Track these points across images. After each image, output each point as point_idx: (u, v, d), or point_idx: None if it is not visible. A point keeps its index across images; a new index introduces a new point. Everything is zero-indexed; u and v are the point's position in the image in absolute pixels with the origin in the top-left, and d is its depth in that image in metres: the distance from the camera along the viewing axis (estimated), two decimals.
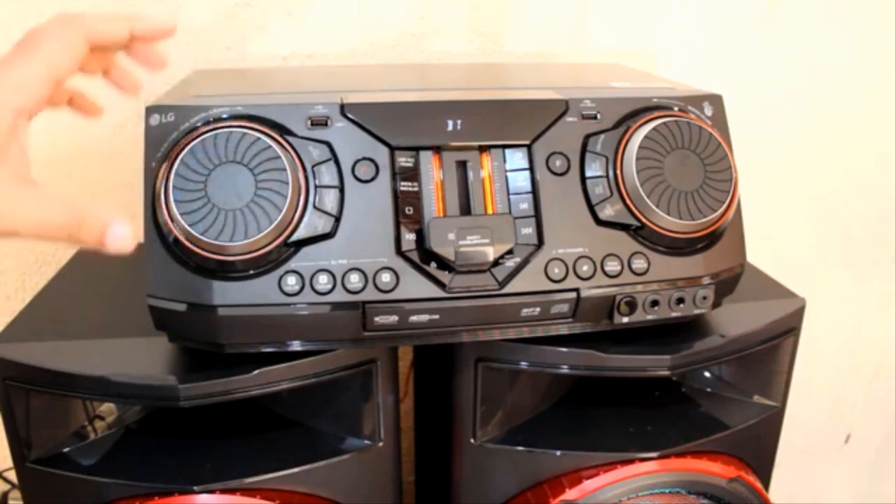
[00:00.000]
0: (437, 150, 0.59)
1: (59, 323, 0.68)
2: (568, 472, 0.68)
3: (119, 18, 0.47)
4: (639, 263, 0.60)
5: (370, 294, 0.56)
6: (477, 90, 0.67)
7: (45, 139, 0.50)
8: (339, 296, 0.56)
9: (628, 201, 0.60)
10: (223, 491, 0.61)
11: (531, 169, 0.60)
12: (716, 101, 0.65)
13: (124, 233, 0.43)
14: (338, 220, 0.56)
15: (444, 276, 0.57)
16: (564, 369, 0.65)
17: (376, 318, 0.57)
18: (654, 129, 0.60)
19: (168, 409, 0.69)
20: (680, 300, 0.62)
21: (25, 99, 0.42)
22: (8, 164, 0.41)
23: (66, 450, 0.64)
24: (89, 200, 0.43)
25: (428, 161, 0.58)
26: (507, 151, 0.60)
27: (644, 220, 0.60)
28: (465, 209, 0.58)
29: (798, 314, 0.72)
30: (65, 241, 0.42)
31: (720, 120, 0.65)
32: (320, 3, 0.91)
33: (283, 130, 0.57)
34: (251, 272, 0.55)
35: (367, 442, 0.67)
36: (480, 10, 0.95)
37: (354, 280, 0.56)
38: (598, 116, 0.62)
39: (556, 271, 0.59)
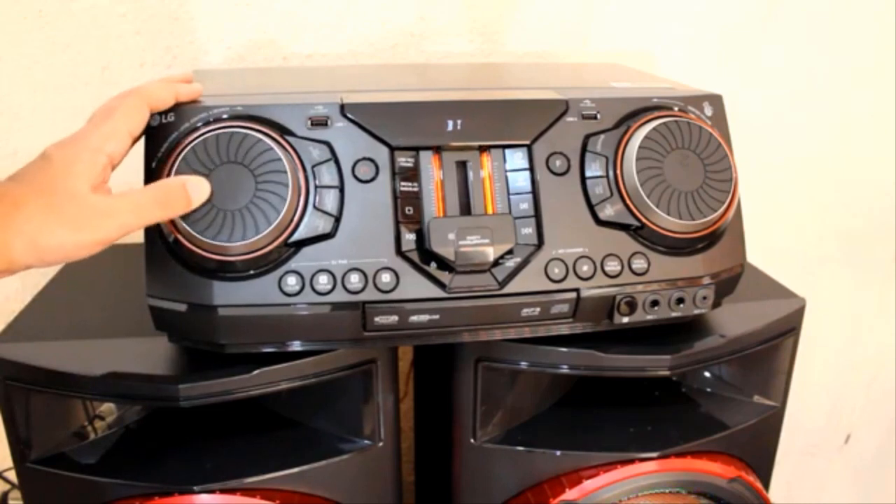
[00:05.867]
0: (437, 150, 0.59)
1: (59, 323, 0.68)
2: (568, 472, 0.68)
3: (168, 88, 0.56)
4: (639, 263, 0.60)
5: (370, 294, 0.56)
6: (477, 90, 0.67)
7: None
8: (339, 296, 0.56)
9: (628, 201, 0.60)
10: (223, 491, 0.61)
11: (531, 169, 0.59)
12: (716, 101, 0.65)
13: (198, 183, 0.52)
14: (338, 220, 0.56)
15: (444, 276, 0.57)
16: (564, 369, 0.65)
17: (376, 318, 0.57)
18: (654, 129, 0.60)
19: (168, 409, 0.69)
20: (680, 300, 0.62)
21: (114, 146, 0.50)
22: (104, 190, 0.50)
23: (66, 450, 0.64)
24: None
25: (428, 161, 0.58)
26: (507, 151, 0.60)
27: (644, 220, 0.60)
28: (466, 209, 0.58)
29: (798, 314, 0.72)
30: (160, 216, 0.51)
31: (720, 120, 0.65)
32: (320, 2, 0.91)
33: (283, 130, 0.57)
34: (251, 272, 0.55)
35: (367, 442, 0.67)
36: (480, 10, 0.95)
37: (354, 280, 0.56)
38: (598, 116, 0.62)
39: (557, 271, 0.59)
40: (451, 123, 0.59)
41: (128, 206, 0.49)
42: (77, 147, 0.49)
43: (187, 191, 0.51)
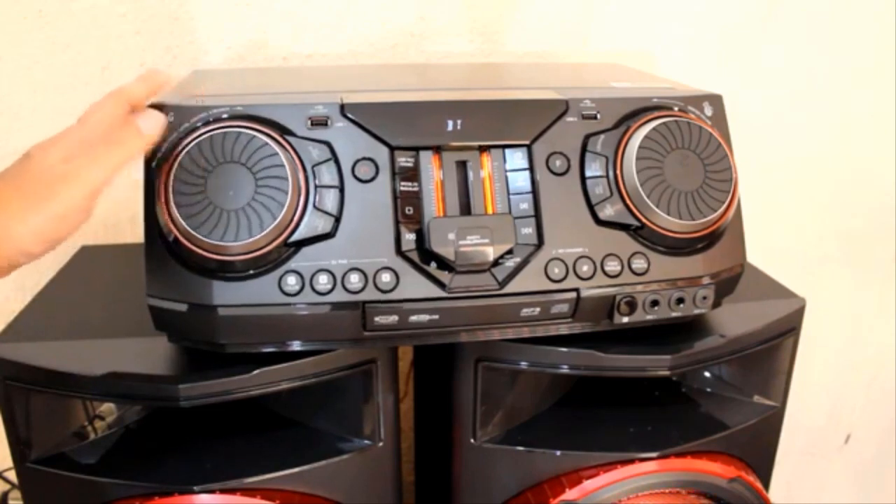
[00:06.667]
0: (437, 150, 0.59)
1: (59, 323, 0.68)
2: (568, 472, 0.68)
3: (147, 82, 0.56)
4: (639, 263, 0.60)
5: (370, 294, 0.56)
6: (477, 90, 0.67)
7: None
8: (339, 296, 0.56)
9: (628, 201, 0.60)
10: (223, 491, 0.61)
11: (531, 169, 0.59)
12: (716, 101, 0.65)
13: (149, 114, 0.53)
14: (338, 220, 0.56)
15: (444, 276, 0.57)
16: (564, 369, 0.65)
17: (376, 318, 0.57)
18: (654, 129, 0.60)
19: (168, 409, 0.69)
20: (680, 300, 0.62)
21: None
22: None
23: (66, 450, 0.64)
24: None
25: (428, 161, 0.58)
26: (507, 151, 0.60)
27: (644, 220, 0.60)
28: (466, 209, 0.58)
29: (798, 314, 0.72)
30: (118, 157, 0.51)
31: (720, 120, 0.65)
32: (320, 2, 0.91)
33: (283, 130, 0.57)
34: (251, 272, 0.55)
35: (367, 442, 0.67)
36: (480, 10, 0.95)
37: (354, 280, 0.56)
38: (598, 116, 0.62)
39: (556, 271, 0.59)
40: (450, 123, 0.59)
41: (83, 160, 0.49)
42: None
43: (136, 123, 0.52)
